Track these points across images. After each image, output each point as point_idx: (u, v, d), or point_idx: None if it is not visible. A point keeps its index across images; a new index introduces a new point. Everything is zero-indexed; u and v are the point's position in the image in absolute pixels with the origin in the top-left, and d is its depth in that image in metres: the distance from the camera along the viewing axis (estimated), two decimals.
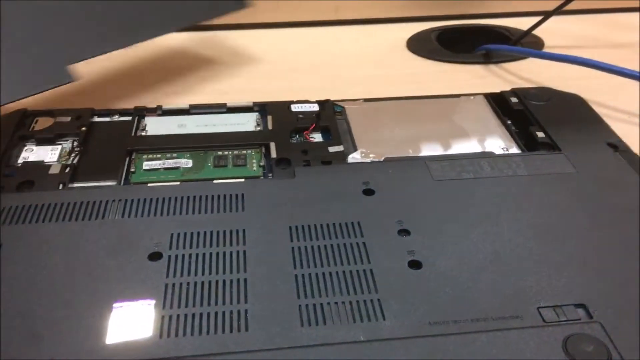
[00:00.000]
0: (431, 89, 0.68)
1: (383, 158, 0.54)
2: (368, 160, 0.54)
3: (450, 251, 0.43)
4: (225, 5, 0.70)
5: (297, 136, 0.58)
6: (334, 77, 0.76)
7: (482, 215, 0.47)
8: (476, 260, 0.42)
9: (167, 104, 0.62)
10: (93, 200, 0.47)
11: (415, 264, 0.42)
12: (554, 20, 0.80)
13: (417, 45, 0.85)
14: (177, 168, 0.53)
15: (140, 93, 0.70)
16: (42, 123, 0.58)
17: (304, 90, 0.66)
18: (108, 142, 0.56)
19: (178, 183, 0.50)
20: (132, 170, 0.52)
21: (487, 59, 0.80)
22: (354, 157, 0.55)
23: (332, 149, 0.55)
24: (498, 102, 0.64)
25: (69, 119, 0.58)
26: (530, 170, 0.52)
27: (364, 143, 0.57)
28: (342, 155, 0.55)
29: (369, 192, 0.49)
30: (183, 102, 0.63)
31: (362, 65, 0.80)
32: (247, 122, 0.60)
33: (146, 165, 0.53)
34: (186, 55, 0.81)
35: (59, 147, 0.55)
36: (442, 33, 0.88)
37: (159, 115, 0.61)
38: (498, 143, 0.57)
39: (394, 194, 0.49)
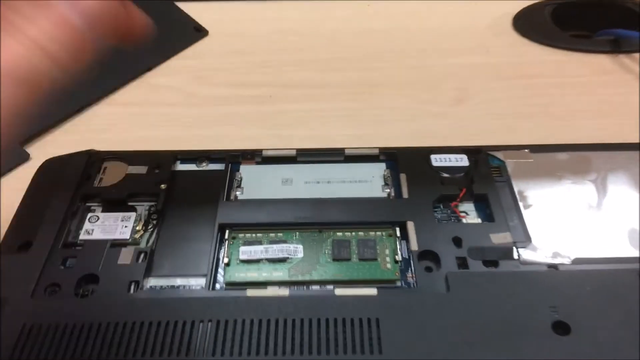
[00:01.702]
0: (547, 87, 0.55)
1: (571, 259, 0.38)
2: (548, 261, 0.38)
3: None
4: None
5: (442, 208, 0.43)
6: (420, 68, 0.62)
7: None
8: None
9: (269, 147, 0.48)
10: (175, 320, 0.34)
11: None
12: None
13: (526, 24, 0.66)
14: (284, 260, 0.39)
15: None
16: (112, 172, 0.45)
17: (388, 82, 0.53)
18: (194, 206, 0.43)
19: (287, 293, 0.36)
20: (226, 261, 0.39)
21: (615, 46, 0.62)
22: (528, 255, 0.39)
23: (495, 238, 0.40)
24: None
25: (145, 169, 0.45)
26: None
27: (538, 227, 0.41)
28: (510, 251, 0.39)
29: (560, 327, 0.34)
30: (285, 140, 0.48)
31: (454, 51, 0.64)
32: (372, 180, 0.45)
33: (244, 253, 0.39)
34: None
35: (132, 215, 0.42)
36: (558, 8, 0.68)
37: (258, 163, 0.47)
38: None
39: (597, 330, 0.33)
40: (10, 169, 0.51)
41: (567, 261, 0.38)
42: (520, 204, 0.42)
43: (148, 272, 0.38)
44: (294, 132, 0.55)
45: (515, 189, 0.43)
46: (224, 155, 0.47)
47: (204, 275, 0.38)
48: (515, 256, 0.39)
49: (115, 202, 0.43)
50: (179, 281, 0.38)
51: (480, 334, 0.34)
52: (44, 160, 0.48)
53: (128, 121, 0.56)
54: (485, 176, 0.44)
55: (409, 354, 0.33)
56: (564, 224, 0.41)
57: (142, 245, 0.40)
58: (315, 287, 0.38)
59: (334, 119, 0.56)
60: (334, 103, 0.58)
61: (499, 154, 0.46)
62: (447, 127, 0.55)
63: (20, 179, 0.46)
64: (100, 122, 0.56)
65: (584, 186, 0.44)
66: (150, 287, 0.38)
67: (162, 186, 0.43)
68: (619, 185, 0.44)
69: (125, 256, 0.38)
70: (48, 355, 0.33)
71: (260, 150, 0.47)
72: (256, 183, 0.45)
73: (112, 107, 0.58)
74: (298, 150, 0.47)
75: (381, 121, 0.56)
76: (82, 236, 0.40)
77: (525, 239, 0.40)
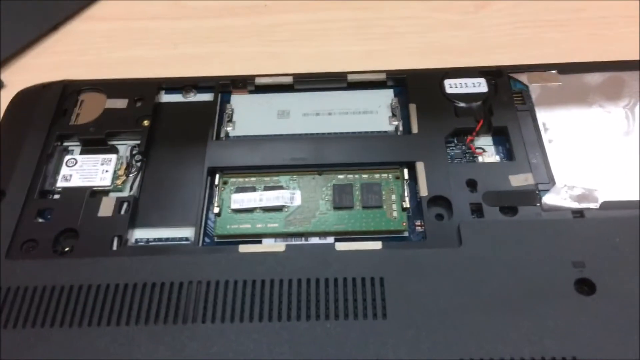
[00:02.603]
0: None
1: (600, 202, 0.34)
2: (573, 206, 0.34)
3: None
4: None
5: (456, 143, 0.38)
6: None
7: None
8: None
9: (264, 68, 0.42)
10: (161, 282, 0.31)
11: None
12: None
13: None
14: (279, 209, 0.35)
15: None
16: (90, 104, 0.41)
17: None
18: (181, 146, 0.39)
19: (282, 248, 0.33)
20: (216, 211, 0.35)
21: None
22: (551, 200, 0.35)
23: (515, 180, 0.36)
24: None
25: (125, 102, 0.40)
26: None
27: (563, 164, 0.36)
28: (532, 195, 0.35)
29: (584, 285, 0.31)
30: (272, 68, 0.43)
31: None
32: (379, 110, 0.40)
33: (236, 202, 0.35)
34: None
35: (113, 157, 0.38)
36: None
37: (250, 92, 0.42)
38: None
39: (625, 291, 0.30)
40: None
41: (594, 206, 0.34)
42: (544, 137, 0.38)
43: (132, 223, 0.35)
44: (292, 49, 0.49)
45: (539, 120, 0.39)
46: (213, 83, 0.42)
47: (193, 225, 0.35)
48: (537, 201, 0.35)
49: (94, 141, 0.39)
50: (166, 233, 0.35)
51: (495, 295, 0.31)
52: (19, 87, 0.43)
53: (108, 39, 0.51)
54: (506, 105, 0.39)
55: (416, 319, 0.30)
56: (593, 161, 0.36)
57: (125, 192, 0.37)
58: (314, 239, 0.35)
59: (337, 33, 0.50)
60: (337, 12, 0.52)
61: (523, 77, 0.41)
62: (464, 39, 0.49)
63: None
64: (77, 41, 0.51)
65: (617, 114, 0.39)
66: (136, 240, 0.35)
67: (145, 123, 0.39)
68: None
69: (107, 207, 0.35)
70: (26, 322, 0.30)
71: (253, 77, 0.42)
72: (249, 116, 0.40)
73: (90, 23, 0.52)
74: (295, 76, 0.42)
75: (391, 34, 0.50)
76: (60, 183, 0.37)
77: (548, 180, 0.36)
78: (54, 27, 0.51)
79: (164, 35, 0.51)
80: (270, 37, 0.50)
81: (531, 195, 0.35)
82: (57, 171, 0.37)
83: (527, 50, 0.48)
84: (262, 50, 0.49)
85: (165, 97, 0.42)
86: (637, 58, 0.43)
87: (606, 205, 0.34)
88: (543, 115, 0.39)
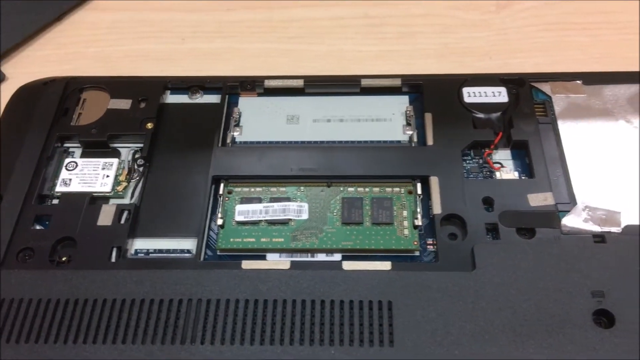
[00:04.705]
0: None
1: (623, 226, 0.33)
2: (594, 229, 0.33)
3: None
4: None
5: (472, 156, 0.37)
6: None
7: None
8: None
9: (274, 69, 0.41)
10: (160, 299, 0.30)
11: None
12: None
13: None
14: (286, 222, 0.34)
15: None
16: (92, 103, 0.40)
17: None
18: (185, 151, 0.37)
19: (287, 266, 0.31)
20: (220, 222, 0.34)
21: None
22: (571, 222, 0.33)
23: (533, 200, 0.34)
24: None
25: (129, 103, 0.39)
26: None
27: (588, 183, 0.34)
28: (551, 216, 0.33)
29: (603, 316, 0.29)
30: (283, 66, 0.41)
31: None
32: (392, 118, 0.39)
33: (240, 214, 0.34)
34: None
35: (114, 162, 0.37)
36: None
37: (259, 95, 0.40)
38: None
39: None
40: None
41: (616, 230, 0.32)
42: (567, 153, 0.36)
43: (132, 233, 0.34)
44: (304, 47, 0.47)
45: (562, 133, 0.37)
46: (220, 84, 0.40)
47: (196, 237, 0.33)
48: (556, 223, 0.33)
49: (96, 144, 0.38)
50: (167, 244, 0.34)
51: (508, 324, 0.29)
52: (21, 80, 0.42)
53: (114, 31, 0.49)
54: (528, 117, 0.37)
55: (424, 347, 0.28)
56: (617, 180, 0.35)
57: (126, 199, 0.35)
58: (321, 256, 0.33)
59: (351, 30, 0.48)
60: (352, 9, 0.50)
61: (546, 87, 0.39)
62: (484, 41, 0.47)
63: None
64: (82, 32, 0.49)
65: None
66: (135, 250, 0.33)
67: (149, 125, 0.38)
68: None
69: (106, 215, 0.34)
70: (20, 338, 0.29)
71: (262, 79, 0.40)
72: (257, 121, 0.39)
73: (95, 14, 0.50)
74: (306, 79, 0.40)
75: (406, 33, 0.48)
76: (59, 187, 0.36)
77: (569, 200, 0.34)
78: (58, 17, 0.49)
79: (172, 28, 0.49)
80: (283, 33, 0.48)
81: (550, 217, 0.33)
82: (56, 174, 0.36)
83: (552, 55, 0.45)
84: (274, 47, 0.47)
85: (171, 98, 0.40)
86: None
87: (629, 230, 0.32)
88: (566, 129, 0.37)
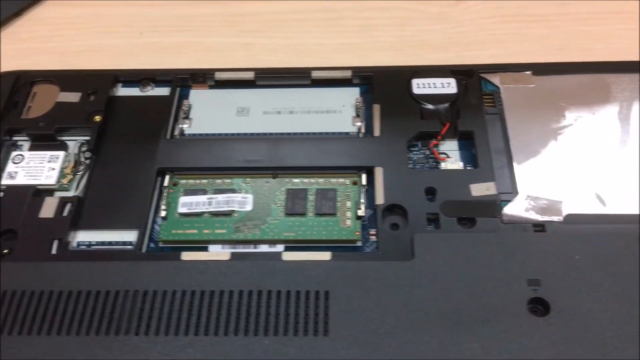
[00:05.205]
0: None
1: (564, 215, 0.33)
2: (535, 218, 0.33)
3: None
4: None
5: (420, 147, 0.37)
6: None
7: None
8: None
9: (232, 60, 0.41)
10: (97, 290, 0.30)
11: None
12: None
13: None
14: (229, 214, 0.34)
15: None
16: (43, 96, 0.39)
17: None
18: (133, 143, 0.37)
19: (227, 257, 0.31)
20: (163, 214, 0.34)
21: None
22: (512, 210, 0.33)
23: (475, 190, 0.34)
24: None
25: (78, 96, 0.39)
26: None
27: (532, 173, 0.34)
28: (492, 206, 0.33)
29: (538, 305, 0.29)
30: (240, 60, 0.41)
31: None
32: (342, 110, 0.39)
33: (184, 205, 0.34)
34: None
35: (61, 154, 0.36)
36: None
37: (211, 87, 0.40)
38: None
39: (581, 312, 0.29)
40: None
41: (558, 219, 0.33)
42: (512, 144, 0.36)
43: (75, 225, 0.34)
44: (263, 40, 0.47)
45: (508, 124, 0.37)
46: (171, 77, 0.40)
47: (138, 229, 0.33)
48: (497, 213, 0.33)
49: (44, 137, 0.37)
50: (110, 236, 0.34)
51: (444, 313, 0.29)
52: None
53: (74, 26, 0.49)
54: (475, 107, 0.37)
55: (359, 336, 0.28)
56: (561, 171, 0.35)
57: (71, 192, 0.35)
58: (264, 247, 0.33)
59: (310, 24, 0.48)
60: (311, 2, 0.50)
61: (495, 78, 0.39)
62: (441, 34, 0.47)
63: None
64: (41, 27, 0.49)
65: (591, 121, 0.37)
66: (78, 243, 0.33)
67: (97, 118, 0.38)
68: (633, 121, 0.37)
69: (49, 208, 0.34)
70: None
71: (213, 72, 0.40)
72: (207, 113, 0.39)
73: (55, 9, 0.50)
74: (257, 71, 0.40)
75: (365, 26, 0.48)
76: (5, 180, 0.36)
77: (512, 190, 0.34)
78: (17, 13, 0.49)
79: (131, 23, 0.49)
80: (241, 27, 0.48)
81: (491, 206, 0.33)
82: (2, 168, 0.36)
83: (508, 47, 0.45)
84: (232, 41, 0.47)
85: (122, 91, 0.40)
86: (624, 57, 0.41)
87: (570, 219, 0.32)
88: (513, 120, 0.37)
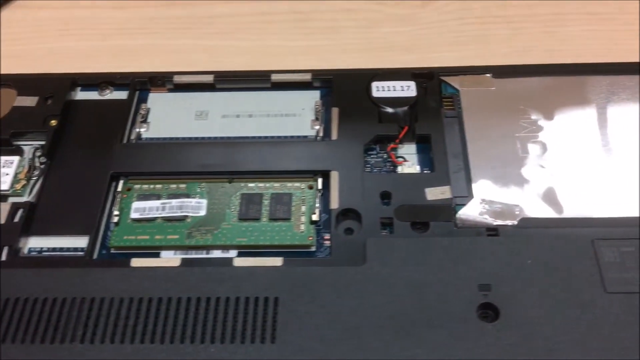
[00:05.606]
0: None
1: (518, 219, 0.32)
2: (489, 221, 0.32)
3: None
4: None
5: (378, 151, 0.36)
6: None
7: None
8: None
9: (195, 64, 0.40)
10: (44, 297, 0.30)
11: None
12: None
13: None
14: (182, 219, 0.34)
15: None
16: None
17: None
18: (88, 148, 0.37)
19: (177, 263, 0.31)
20: (116, 220, 0.33)
21: None
22: (467, 215, 0.33)
23: (430, 194, 0.34)
24: None
25: (35, 100, 0.38)
26: None
27: (487, 177, 0.34)
28: (446, 210, 0.33)
29: (488, 309, 0.29)
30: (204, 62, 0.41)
31: None
32: (302, 113, 0.38)
33: (136, 210, 0.34)
34: None
35: (15, 159, 0.36)
36: None
37: (170, 90, 0.40)
38: None
39: (530, 317, 0.28)
40: None
41: (512, 223, 0.32)
42: (469, 147, 0.36)
43: (26, 231, 0.33)
44: (228, 43, 0.47)
45: (467, 128, 0.36)
46: (129, 80, 0.40)
47: (89, 235, 0.33)
48: (451, 217, 0.33)
49: None
50: (61, 242, 0.33)
51: (393, 319, 0.29)
52: None
53: (41, 28, 0.49)
54: (434, 111, 0.37)
55: (305, 344, 0.28)
56: (517, 175, 0.34)
57: (24, 197, 0.35)
58: (217, 252, 0.33)
59: (276, 26, 0.48)
60: (278, 4, 0.49)
61: (455, 80, 0.39)
62: (407, 36, 0.47)
63: None
64: (6, 31, 0.48)
65: (550, 125, 0.37)
66: (29, 249, 0.33)
67: (52, 122, 0.37)
68: (600, 122, 0.37)
69: (1, 211, 0.33)
70: None
71: (172, 75, 0.40)
72: (165, 117, 0.38)
73: (21, 12, 0.50)
74: (216, 74, 0.40)
75: (332, 28, 0.48)
76: None
77: (467, 194, 0.34)
78: None
79: (96, 26, 0.48)
80: (206, 29, 0.48)
81: (445, 210, 0.33)
82: None
83: (474, 49, 0.45)
84: (197, 43, 0.47)
85: (81, 95, 0.40)
86: (590, 59, 0.41)
87: (525, 223, 0.32)
88: (471, 123, 0.37)
